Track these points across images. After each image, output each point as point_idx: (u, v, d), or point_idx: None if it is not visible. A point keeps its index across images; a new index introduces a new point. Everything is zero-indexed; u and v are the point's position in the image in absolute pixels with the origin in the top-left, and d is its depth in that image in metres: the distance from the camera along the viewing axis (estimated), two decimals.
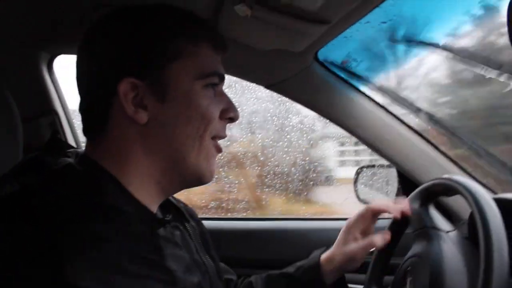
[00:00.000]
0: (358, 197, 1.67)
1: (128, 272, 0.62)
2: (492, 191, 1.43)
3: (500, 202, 0.97)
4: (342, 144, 2.88)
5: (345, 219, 1.68)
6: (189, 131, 0.77)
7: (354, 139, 1.62)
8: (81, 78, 0.80)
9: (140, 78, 0.74)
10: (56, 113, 1.51)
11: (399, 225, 1.12)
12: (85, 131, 0.80)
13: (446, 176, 1.04)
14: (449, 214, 1.46)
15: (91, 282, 0.58)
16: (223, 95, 0.83)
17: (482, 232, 0.86)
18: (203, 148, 0.78)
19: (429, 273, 0.96)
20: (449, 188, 1.01)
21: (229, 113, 0.82)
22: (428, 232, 1.02)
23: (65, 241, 0.61)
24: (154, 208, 0.81)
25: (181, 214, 0.94)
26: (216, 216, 1.90)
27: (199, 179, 0.81)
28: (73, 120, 1.61)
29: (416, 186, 1.15)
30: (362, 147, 1.68)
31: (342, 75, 1.34)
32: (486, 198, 0.91)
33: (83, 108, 0.80)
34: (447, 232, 1.02)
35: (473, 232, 0.95)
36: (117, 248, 0.64)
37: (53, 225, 0.63)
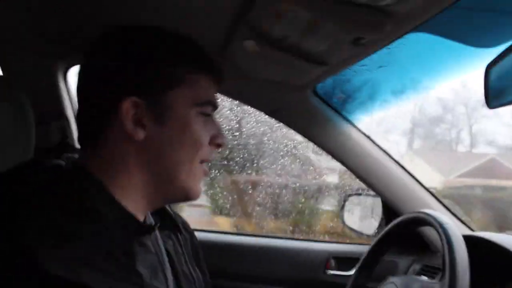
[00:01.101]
0: (343, 222, 1.76)
1: (98, 268, 0.64)
2: (470, 228, 1.53)
3: (470, 239, 1.07)
4: None
5: (335, 242, 1.79)
6: (181, 154, 0.80)
7: None
8: (83, 89, 0.81)
9: (142, 98, 0.76)
10: (67, 119, 1.58)
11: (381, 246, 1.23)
12: (80, 139, 0.83)
13: (423, 210, 1.15)
14: (426, 243, 1.55)
15: (63, 272, 0.60)
16: (213, 122, 0.86)
17: (448, 263, 0.96)
18: (192, 171, 0.82)
19: None
20: (424, 221, 1.11)
21: (217, 139, 0.85)
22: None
23: (38, 235, 0.63)
24: (140, 216, 0.82)
25: (175, 225, 0.98)
26: (206, 229, 1.96)
27: (186, 197, 0.85)
28: None
29: (398, 216, 1.25)
30: None
31: (337, 108, 1.44)
32: (456, 232, 1.01)
33: (81, 117, 0.82)
34: None
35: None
36: (89, 245, 0.65)
37: (28, 220, 0.65)
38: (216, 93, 0.87)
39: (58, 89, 1.54)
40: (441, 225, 1.03)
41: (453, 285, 0.92)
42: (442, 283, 0.97)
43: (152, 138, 0.78)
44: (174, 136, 0.79)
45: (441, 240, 1.01)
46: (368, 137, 1.49)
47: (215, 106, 0.86)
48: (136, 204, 0.80)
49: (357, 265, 1.29)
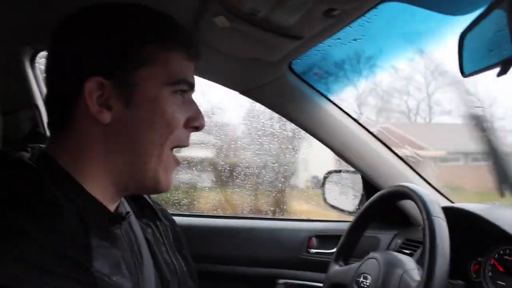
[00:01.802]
0: (325, 200, 1.75)
1: (44, 269, 0.61)
2: (449, 201, 1.54)
3: (450, 211, 1.07)
4: None
5: (316, 220, 1.79)
6: (152, 137, 0.76)
7: None
8: (50, 72, 0.78)
9: (108, 78, 0.73)
10: (37, 107, 1.53)
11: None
12: (49, 125, 0.80)
13: (402, 184, 1.14)
14: (408, 217, 1.56)
15: (2, 278, 0.57)
16: (191, 103, 0.82)
17: (428, 235, 0.95)
18: (162, 158, 0.78)
19: (383, 272, 1.06)
20: (404, 194, 1.10)
21: (195, 122, 0.81)
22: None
23: None
24: (110, 206, 0.80)
25: (154, 213, 0.96)
26: (187, 213, 1.95)
27: (155, 188, 0.80)
28: None
29: (378, 191, 1.24)
30: None
31: (314, 85, 1.42)
32: (435, 204, 1.00)
33: (49, 102, 0.79)
34: None
35: None
36: (39, 244, 0.62)
37: None
38: (192, 71, 0.82)
39: (26, 75, 1.50)
40: (420, 197, 1.03)
41: (433, 257, 0.92)
42: (422, 256, 0.97)
43: (119, 120, 0.75)
44: (144, 117, 0.75)
45: (421, 212, 1.00)
46: (346, 113, 1.47)
47: (191, 85, 0.81)
48: (106, 192, 0.78)
49: (339, 243, 1.28)
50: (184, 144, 0.82)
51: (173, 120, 0.77)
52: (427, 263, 0.92)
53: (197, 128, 0.82)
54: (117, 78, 0.74)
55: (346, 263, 1.26)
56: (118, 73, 0.74)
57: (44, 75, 0.83)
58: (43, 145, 0.81)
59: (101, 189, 0.77)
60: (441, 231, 0.95)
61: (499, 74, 0.68)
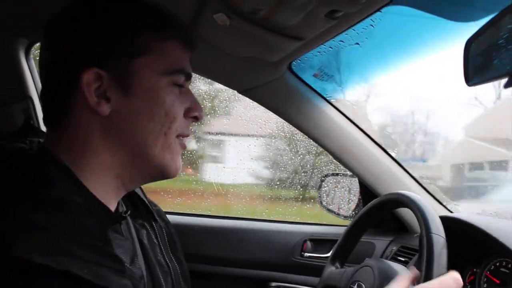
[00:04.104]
0: (321, 203, 1.73)
1: (78, 257, 0.61)
2: (448, 210, 1.52)
3: (447, 220, 1.05)
4: None
5: (311, 223, 1.77)
6: (153, 127, 0.75)
7: None
8: (45, 65, 0.77)
9: (105, 69, 0.72)
10: (31, 100, 1.51)
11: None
12: (46, 120, 0.78)
13: (400, 191, 1.12)
14: (404, 225, 1.54)
15: (45, 260, 0.58)
16: (188, 94, 0.82)
17: (425, 254, 0.93)
18: (167, 145, 0.78)
19: (377, 283, 1.03)
20: (401, 203, 1.08)
21: (193, 112, 0.81)
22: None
23: (8, 227, 0.60)
24: (112, 203, 0.79)
25: (150, 214, 0.94)
26: (180, 212, 1.92)
27: (162, 174, 0.80)
28: None
29: (375, 196, 1.22)
30: None
31: (314, 86, 1.40)
32: (433, 214, 0.98)
33: (45, 97, 0.78)
34: None
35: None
36: (61, 237, 0.62)
37: None
38: (188, 61, 0.82)
39: (20, 67, 1.47)
40: (418, 206, 1.01)
41: (430, 266, 0.90)
42: (417, 265, 0.95)
43: (119, 112, 0.74)
44: (143, 108, 0.75)
45: (419, 221, 0.98)
46: (346, 116, 1.45)
47: (188, 75, 0.81)
48: (107, 188, 0.77)
49: (334, 247, 1.26)
50: (185, 133, 0.81)
51: (172, 110, 0.77)
52: (423, 281, 0.90)
53: (196, 118, 0.82)
54: (114, 68, 0.73)
55: (342, 266, 1.24)
56: (114, 64, 0.73)
57: (38, 69, 0.80)
58: (41, 140, 0.80)
59: (103, 185, 0.76)
60: (440, 251, 0.93)
61: (507, 86, 0.66)
